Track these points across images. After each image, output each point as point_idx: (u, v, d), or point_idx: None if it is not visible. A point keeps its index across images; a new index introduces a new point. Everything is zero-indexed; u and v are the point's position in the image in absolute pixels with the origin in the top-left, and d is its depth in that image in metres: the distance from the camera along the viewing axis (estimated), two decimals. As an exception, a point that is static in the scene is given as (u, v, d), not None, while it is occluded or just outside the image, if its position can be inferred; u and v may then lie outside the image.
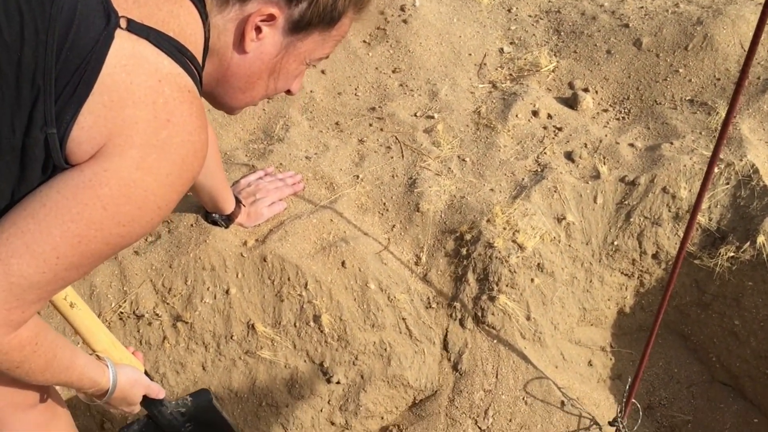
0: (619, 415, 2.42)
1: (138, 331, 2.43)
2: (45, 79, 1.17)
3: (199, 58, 1.38)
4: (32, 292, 1.26)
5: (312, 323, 2.48)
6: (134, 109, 1.22)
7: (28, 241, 1.22)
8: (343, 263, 2.55)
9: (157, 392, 1.93)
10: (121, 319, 2.42)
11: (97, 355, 1.76)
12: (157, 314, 2.43)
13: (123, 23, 1.23)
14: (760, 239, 2.63)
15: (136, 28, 1.24)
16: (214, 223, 2.51)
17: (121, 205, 1.25)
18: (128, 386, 1.79)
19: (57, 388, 1.89)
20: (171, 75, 1.27)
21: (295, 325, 2.48)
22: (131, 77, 1.21)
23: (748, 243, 2.67)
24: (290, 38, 1.45)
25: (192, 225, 2.52)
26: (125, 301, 2.41)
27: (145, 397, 1.92)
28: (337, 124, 3.08)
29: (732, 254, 2.70)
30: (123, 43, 1.21)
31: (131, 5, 1.26)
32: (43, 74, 1.17)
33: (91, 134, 1.21)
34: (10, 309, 1.25)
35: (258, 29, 1.41)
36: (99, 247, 1.28)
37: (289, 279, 2.47)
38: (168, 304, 2.44)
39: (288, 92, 1.61)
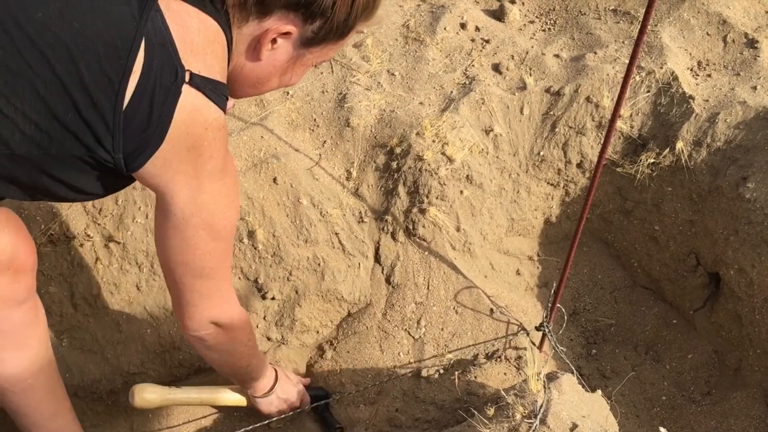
0: (545, 320, 2.51)
1: (69, 253, 2.42)
2: (115, 118, 1.40)
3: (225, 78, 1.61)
4: (222, 286, 1.79)
5: (245, 240, 2.50)
6: (188, 154, 1.51)
7: (191, 276, 1.71)
8: (274, 179, 2.56)
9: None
10: (51, 241, 2.40)
11: None
12: (88, 235, 2.41)
13: (187, 77, 1.45)
14: (679, 145, 2.70)
15: (196, 82, 1.46)
16: None
17: (210, 219, 1.62)
18: (288, 376, 2.40)
19: None
20: (214, 121, 1.52)
21: (228, 243, 2.49)
22: (188, 129, 1.47)
23: (668, 149, 2.74)
24: (302, 50, 1.60)
25: (120, 145, 2.49)
26: (55, 223, 2.39)
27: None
28: (264, 40, 3.04)
29: (652, 161, 2.77)
30: (186, 99, 1.45)
31: (189, 55, 1.46)
32: (113, 114, 1.39)
33: (159, 170, 1.51)
34: (225, 301, 1.83)
35: (273, 41, 1.56)
36: (223, 243, 1.70)
37: (220, 197, 2.47)
38: (99, 224, 2.42)
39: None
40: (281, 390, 2.30)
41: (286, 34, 1.54)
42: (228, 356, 2.00)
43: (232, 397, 2.33)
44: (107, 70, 1.37)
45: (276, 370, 2.30)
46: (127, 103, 1.40)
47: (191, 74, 1.45)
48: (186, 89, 1.45)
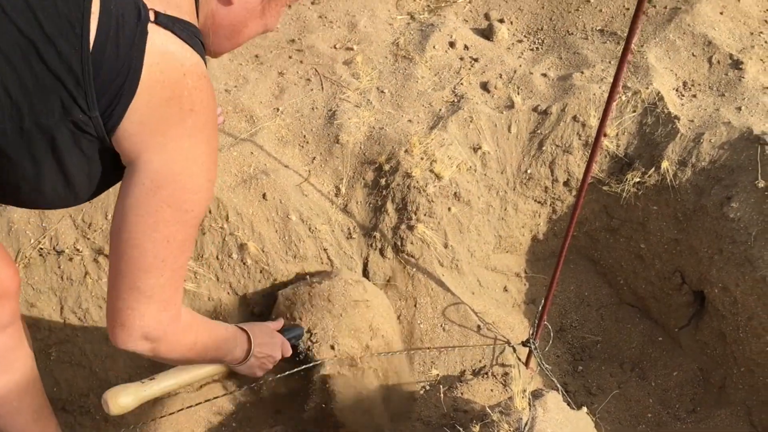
0: (532, 337, 2.52)
1: (59, 267, 2.42)
2: (84, 68, 1.29)
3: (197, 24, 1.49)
4: (167, 288, 1.53)
5: (234, 255, 2.51)
6: (166, 107, 1.38)
7: (137, 266, 1.48)
8: (264, 195, 2.57)
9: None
10: (41, 255, 2.41)
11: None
12: (77, 249, 2.42)
13: (152, 16, 1.35)
14: (665, 164, 2.73)
15: (162, 21, 1.36)
16: None
17: (180, 195, 1.45)
18: (263, 333, 2.14)
19: None
20: (192, 66, 1.40)
21: (217, 258, 2.50)
22: (163, 75, 1.36)
23: (653, 168, 2.77)
24: None
25: (110, 160, 2.50)
26: (44, 237, 2.40)
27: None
28: (256, 56, 3.06)
29: (638, 179, 2.80)
30: (155, 39, 1.34)
31: None
32: (80, 63, 1.29)
33: (138, 128, 1.38)
34: (164, 309, 1.55)
35: None
36: (185, 231, 1.51)
37: (210, 212, 2.48)
38: (89, 239, 2.43)
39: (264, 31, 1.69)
40: (258, 351, 2.10)
41: None
42: (175, 361, 1.77)
43: (209, 370, 2.16)
44: (66, 14, 1.28)
45: (246, 332, 2.07)
46: (91, 49, 1.30)
47: (156, 12, 1.36)
48: (153, 29, 1.35)
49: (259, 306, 2.53)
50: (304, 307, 2.41)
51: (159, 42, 1.35)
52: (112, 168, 1.48)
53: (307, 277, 2.54)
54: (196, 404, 2.36)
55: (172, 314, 1.59)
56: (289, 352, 2.26)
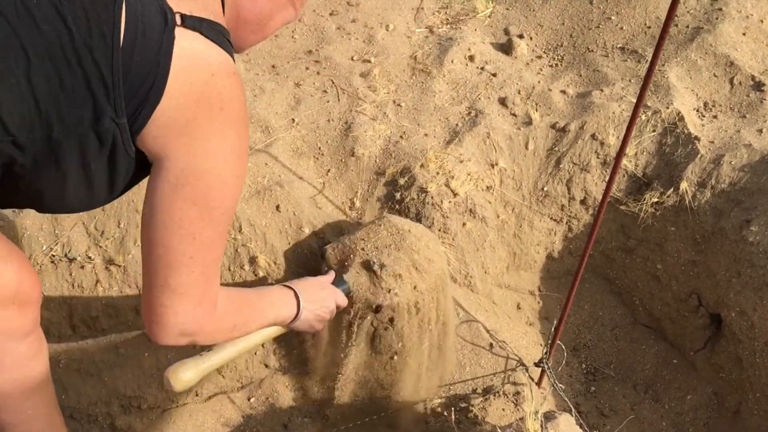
0: (545, 356, 2.50)
1: (70, 275, 2.42)
2: (114, 77, 1.31)
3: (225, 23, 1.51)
4: (198, 284, 1.56)
5: (246, 266, 2.50)
6: (195, 108, 1.39)
7: (166, 263, 1.51)
8: (277, 207, 2.56)
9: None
10: (52, 262, 2.40)
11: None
12: (89, 257, 2.41)
13: (178, 20, 1.36)
14: (683, 185, 2.70)
15: (189, 22, 1.37)
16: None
17: (206, 193, 1.47)
18: (311, 286, 2.16)
19: None
20: (220, 65, 1.42)
21: (229, 269, 2.49)
22: (191, 78, 1.37)
23: (672, 189, 2.74)
24: None
25: (124, 168, 2.50)
26: (56, 244, 2.39)
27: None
28: (273, 67, 3.05)
29: (656, 200, 2.77)
30: (182, 43, 1.36)
31: None
32: (111, 73, 1.31)
33: (163, 131, 1.39)
34: (198, 304, 1.58)
35: None
36: (212, 229, 1.53)
37: (223, 223, 2.47)
38: (101, 247, 2.42)
39: None
40: (309, 305, 2.10)
41: None
42: (220, 342, 1.86)
43: (269, 333, 2.09)
44: (96, 22, 1.29)
45: (292, 289, 2.08)
46: (120, 57, 1.32)
47: (182, 15, 1.37)
48: (180, 32, 1.36)
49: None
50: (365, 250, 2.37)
51: (187, 45, 1.37)
52: (137, 171, 1.50)
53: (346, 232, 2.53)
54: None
55: (206, 309, 1.62)
56: (344, 302, 2.26)
